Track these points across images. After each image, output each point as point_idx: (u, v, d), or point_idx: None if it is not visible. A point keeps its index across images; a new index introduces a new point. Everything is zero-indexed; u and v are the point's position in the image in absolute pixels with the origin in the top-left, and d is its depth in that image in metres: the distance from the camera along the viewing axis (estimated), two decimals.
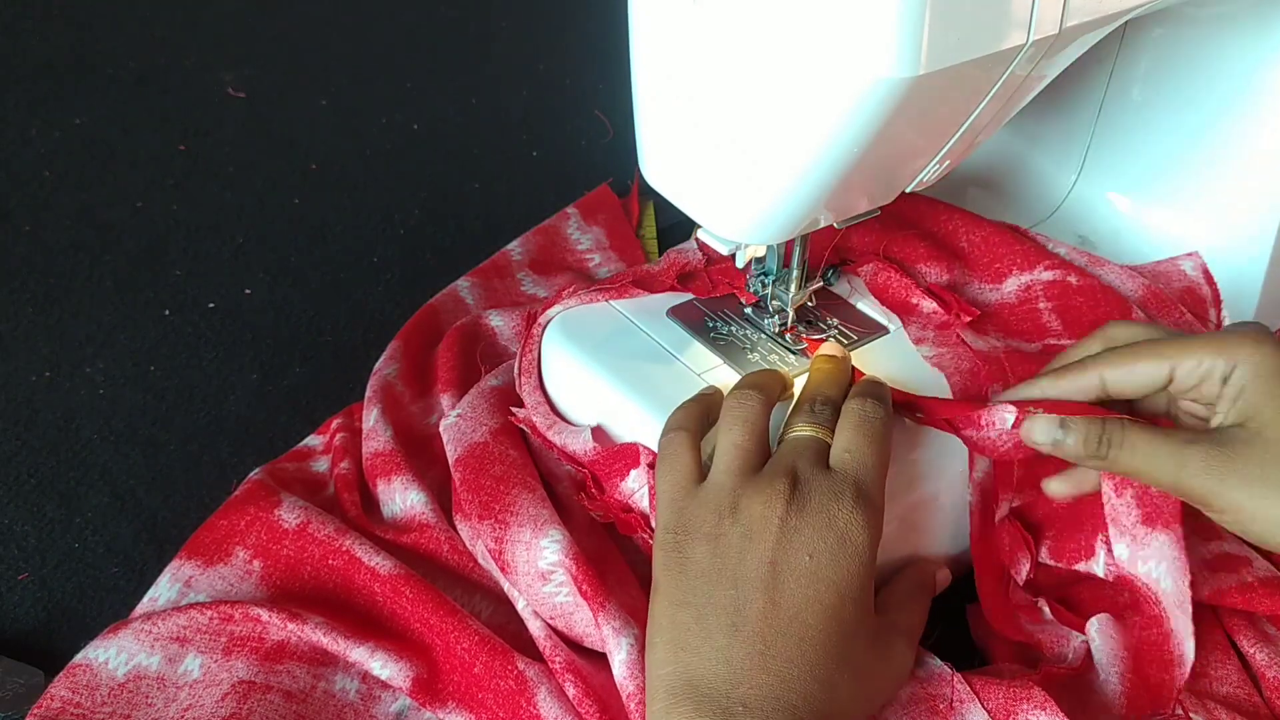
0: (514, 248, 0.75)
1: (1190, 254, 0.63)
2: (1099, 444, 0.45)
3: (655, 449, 0.50)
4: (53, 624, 0.53)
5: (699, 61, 0.45)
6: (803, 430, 0.46)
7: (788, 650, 0.41)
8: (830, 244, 0.59)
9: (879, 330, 0.58)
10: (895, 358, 0.56)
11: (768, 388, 0.48)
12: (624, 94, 0.50)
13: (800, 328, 0.57)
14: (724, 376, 0.54)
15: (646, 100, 0.49)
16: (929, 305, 0.58)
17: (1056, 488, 0.50)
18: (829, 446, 0.46)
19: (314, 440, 0.62)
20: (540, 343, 0.57)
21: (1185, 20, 0.61)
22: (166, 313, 0.72)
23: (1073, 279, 0.59)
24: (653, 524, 0.49)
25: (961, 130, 0.46)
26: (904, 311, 0.58)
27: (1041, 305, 0.59)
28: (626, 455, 0.51)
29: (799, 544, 0.42)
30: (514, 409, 0.57)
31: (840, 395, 0.49)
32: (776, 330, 0.57)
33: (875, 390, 0.48)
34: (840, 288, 0.60)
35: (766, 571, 0.42)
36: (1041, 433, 0.46)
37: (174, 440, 0.63)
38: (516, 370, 0.58)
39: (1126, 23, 0.48)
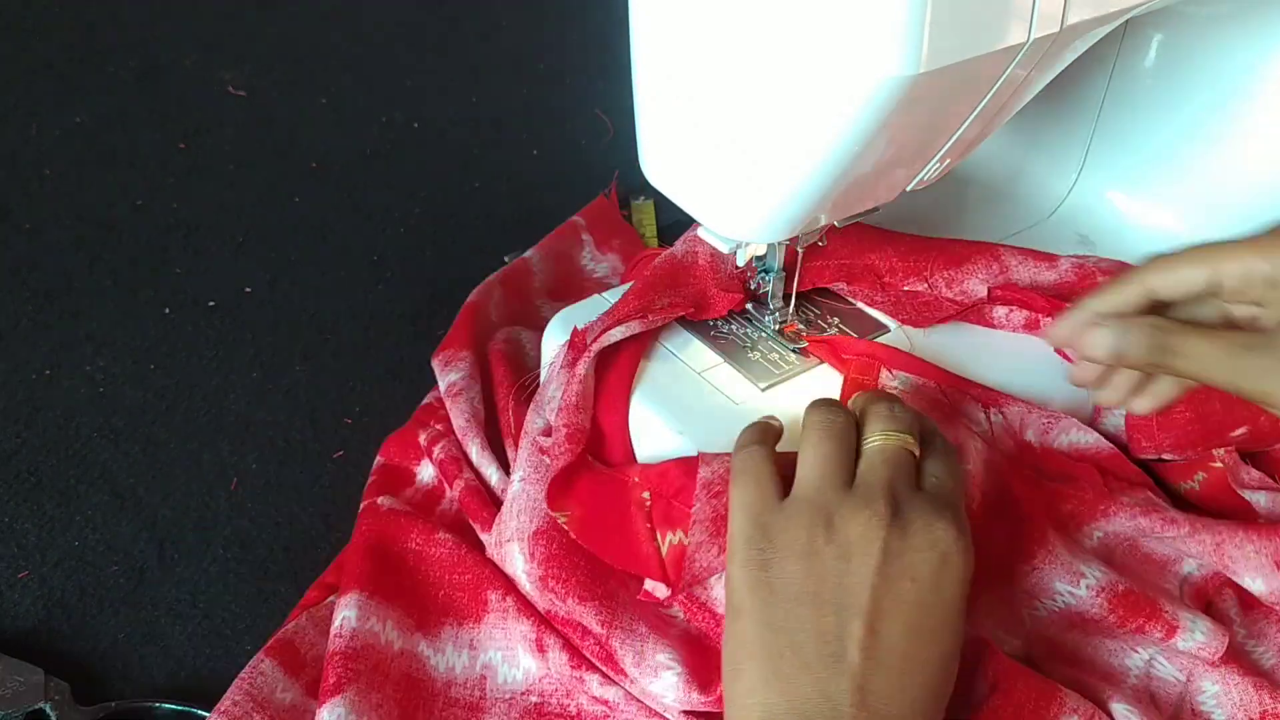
0: (535, 262, 0.73)
1: None
2: (1160, 351, 0.44)
3: (657, 448, 0.50)
4: (53, 622, 0.53)
5: (699, 61, 0.45)
6: (889, 437, 0.44)
7: (888, 686, 0.38)
8: (795, 272, 0.58)
9: (879, 329, 0.58)
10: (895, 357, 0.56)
11: (846, 408, 0.46)
12: (624, 93, 0.50)
13: (800, 326, 0.57)
14: (725, 375, 0.54)
15: (647, 99, 0.49)
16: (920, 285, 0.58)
17: (1141, 404, 0.48)
18: (915, 459, 0.44)
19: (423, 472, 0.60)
20: (580, 372, 0.54)
21: (1185, 20, 0.61)
22: (167, 311, 0.72)
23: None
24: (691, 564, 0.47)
25: (962, 129, 0.46)
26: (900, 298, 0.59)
27: (1100, 280, 0.59)
28: (687, 465, 0.49)
29: (901, 569, 0.40)
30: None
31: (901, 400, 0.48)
32: (776, 329, 0.57)
33: (934, 424, 0.47)
34: (839, 286, 0.60)
35: (867, 597, 0.39)
36: (1104, 340, 0.45)
37: (174, 438, 0.63)
38: (556, 404, 0.54)
39: (1126, 22, 0.48)
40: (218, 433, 0.63)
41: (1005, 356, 0.57)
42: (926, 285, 0.59)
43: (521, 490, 0.52)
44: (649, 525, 0.49)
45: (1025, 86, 0.46)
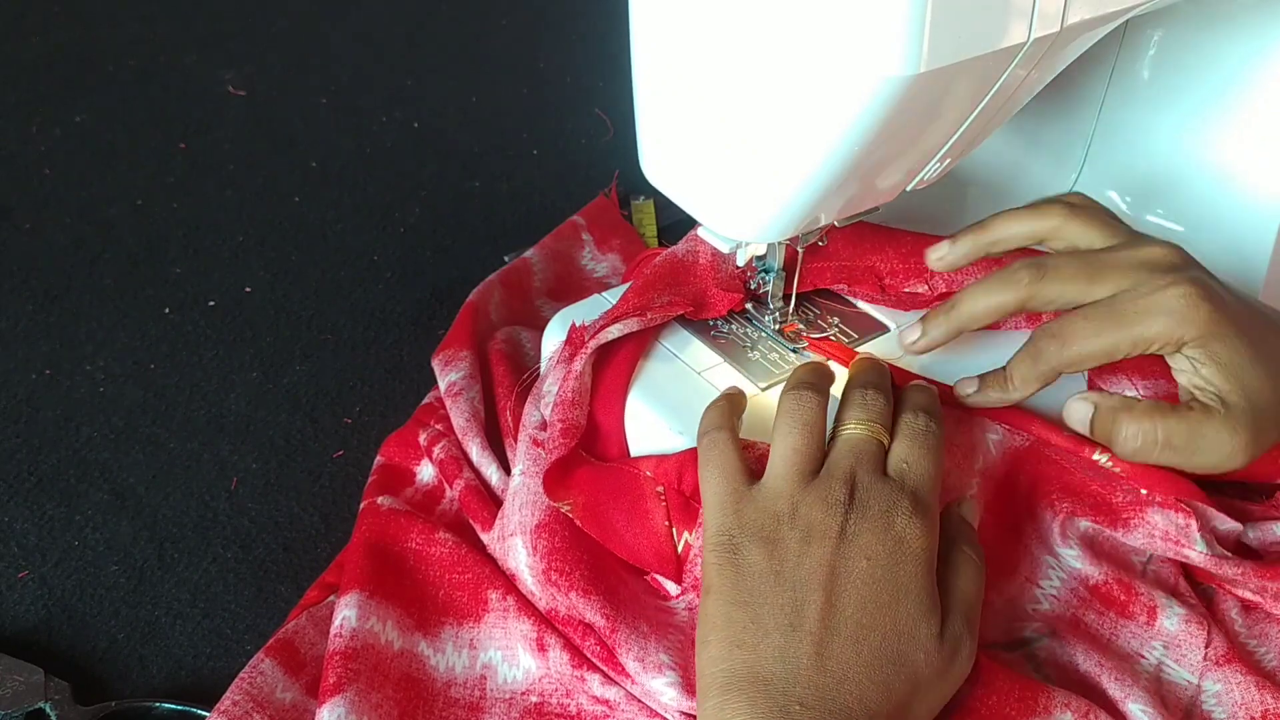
0: (535, 262, 0.73)
1: None
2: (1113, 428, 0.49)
3: (655, 447, 0.50)
4: (53, 622, 0.53)
5: (699, 61, 0.45)
6: (858, 429, 0.46)
7: (844, 651, 0.41)
8: (794, 275, 0.58)
9: (879, 329, 0.58)
10: (896, 356, 0.56)
11: (821, 386, 0.48)
12: (624, 92, 0.50)
13: (800, 326, 0.57)
14: (724, 375, 0.54)
15: (647, 99, 0.49)
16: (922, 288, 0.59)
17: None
18: (884, 447, 0.46)
19: (421, 470, 0.60)
20: (577, 369, 0.53)
21: (1186, 20, 0.61)
22: (167, 310, 0.72)
23: None
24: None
25: (963, 129, 0.46)
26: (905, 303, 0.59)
27: None
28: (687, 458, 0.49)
29: (857, 549, 0.42)
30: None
31: (886, 384, 0.49)
32: (776, 329, 0.57)
33: (928, 404, 0.48)
34: (839, 287, 0.60)
35: (825, 574, 0.42)
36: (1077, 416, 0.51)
37: (174, 438, 0.63)
38: (551, 399, 0.54)
39: (1126, 22, 0.48)
40: (218, 433, 0.63)
41: (1005, 359, 0.57)
42: (927, 287, 0.59)
43: (523, 484, 0.52)
44: (667, 523, 0.49)
45: (1025, 86, 0.46)
